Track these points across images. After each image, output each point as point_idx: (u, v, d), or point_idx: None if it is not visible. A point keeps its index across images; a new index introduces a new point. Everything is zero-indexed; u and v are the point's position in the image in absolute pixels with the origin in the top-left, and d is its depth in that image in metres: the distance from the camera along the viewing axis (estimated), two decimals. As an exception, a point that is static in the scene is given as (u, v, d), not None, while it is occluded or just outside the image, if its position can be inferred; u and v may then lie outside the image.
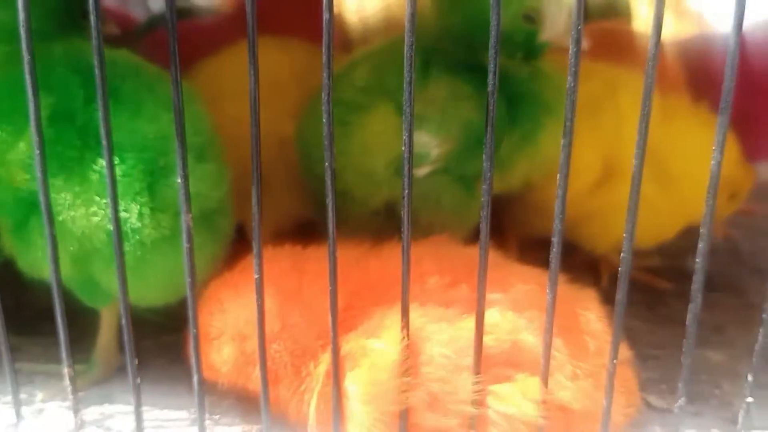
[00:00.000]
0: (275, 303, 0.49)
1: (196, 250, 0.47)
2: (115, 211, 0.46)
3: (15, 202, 0.51)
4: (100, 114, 0.43)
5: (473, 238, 0.57)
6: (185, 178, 0.44)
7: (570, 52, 0.41)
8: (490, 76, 0.42)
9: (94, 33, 0.42)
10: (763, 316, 0.47)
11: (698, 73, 0.88)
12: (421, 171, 0.61)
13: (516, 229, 0.78)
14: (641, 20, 1.20)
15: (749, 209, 0.99)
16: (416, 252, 0.52)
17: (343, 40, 0.96)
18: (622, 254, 0.45)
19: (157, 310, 0.56)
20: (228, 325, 0.50)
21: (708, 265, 0.44)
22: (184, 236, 0.45)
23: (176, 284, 0.49)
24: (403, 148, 0.45)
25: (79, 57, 0.51)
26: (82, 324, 0.58)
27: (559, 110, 0.66)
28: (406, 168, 0.44)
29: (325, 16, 0.40)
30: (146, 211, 0.50)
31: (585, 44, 0.67)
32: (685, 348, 0.47)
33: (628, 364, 0.53)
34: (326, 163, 0.43)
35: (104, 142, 0.44)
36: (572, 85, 0.41)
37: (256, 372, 0.48)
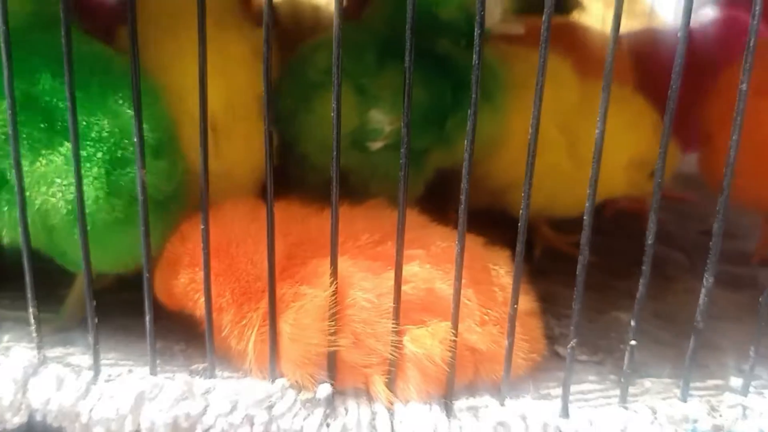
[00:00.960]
0: (225, 242, 0.55)
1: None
2: (80, 192, 0.52)
3: None
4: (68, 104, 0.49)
5: (418, 205, 0.65)
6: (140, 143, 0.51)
7: (475, 33, 0.47)
8: (407, 55, 0.48)
9: (63, 26, 0.48)
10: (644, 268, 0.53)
11: (644, 64, 0.95)
12: (375, 145, 0.69)
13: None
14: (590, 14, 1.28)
15: (680, 195, 1.06)
16: (352, 213, 0.60)
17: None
18: (521, 210, 0.51)
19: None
20: (185, 253, 0.56)
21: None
22: (138, 189, 0.52)
23: (131, 257, 0.57)
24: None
25: (57, 47, 0.54)
26: (56, 281, 0.65)
27: (495, 95, 0.74)
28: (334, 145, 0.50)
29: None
30: (102, 195, 0.55)
31: (518, 29, 0.75)
32: (574, 296, 0.53)
33: (533, 315, 0.59)
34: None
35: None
36: (476, 62, 0.48)
37: (202, 299, 0.54)
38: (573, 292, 0.77)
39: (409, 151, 0.50)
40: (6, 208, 0.56)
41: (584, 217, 0.51)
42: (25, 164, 0.54)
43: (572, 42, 0.87)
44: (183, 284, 0.56)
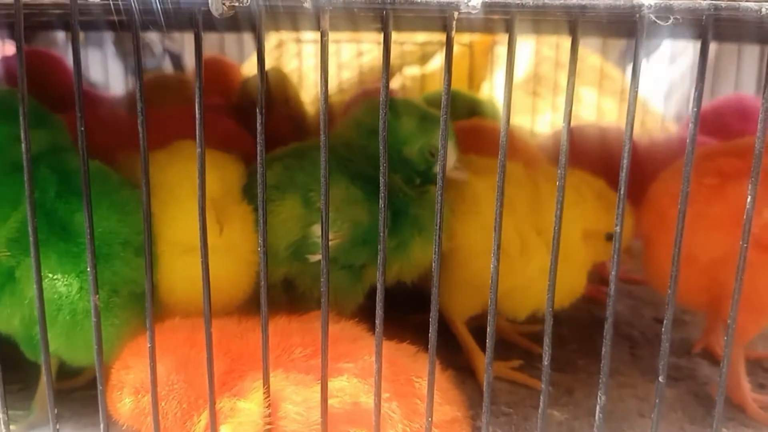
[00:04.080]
0: (167, 368, 0.60)
1: (123, 323, 0.65)
2: (39, 284, 0.57)
3: None
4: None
5: (360, 315, 0.70)
6: (94, 267, 0.57)
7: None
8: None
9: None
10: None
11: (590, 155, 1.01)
12: (314, 257, 0.74)
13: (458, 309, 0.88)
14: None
15: (637, 278, 1.11)
16: (290, 326, 0.65)
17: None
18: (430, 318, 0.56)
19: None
20: (129, 382, 0.62)
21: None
22: (92, 312, 0.58)
23: (108, 350, 0.62)
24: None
25: (60, 159, 0.67)
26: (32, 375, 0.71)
27: (430, 228, 0.79)
28: (262, 266, 0.56)
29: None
30: (85, 286, 0.63)
31: (464, 176, 0.80)
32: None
33: (458, 422, 0.64)
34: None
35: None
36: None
37: (149, 421, 0.60)
38: (516, 388, 0.83)
39: (327, 272, 0.55)
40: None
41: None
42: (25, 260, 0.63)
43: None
44: (129, 409, 0.61)
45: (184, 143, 0.73)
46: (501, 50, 1.61)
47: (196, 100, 0.52)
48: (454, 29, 0.51)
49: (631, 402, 0.80)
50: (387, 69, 0.52)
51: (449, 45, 0.51)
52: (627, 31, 1.22)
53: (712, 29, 0.49)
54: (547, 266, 0.78)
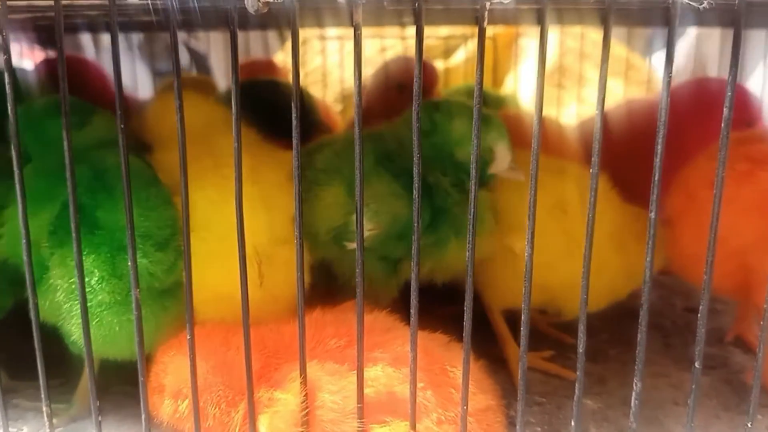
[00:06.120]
0: (204, 370, 0.61)
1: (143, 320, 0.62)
2: (82, 278, 0.59)
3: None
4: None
5: (393, 306, 0.71)
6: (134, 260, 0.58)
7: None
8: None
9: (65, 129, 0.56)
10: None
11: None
12: (351, 245, 0.75)
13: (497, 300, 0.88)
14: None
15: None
16: (324, 319, 0.66)
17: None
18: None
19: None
20: (168, 385, 0.63)
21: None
22: (134, 306, 0.59)
23: (129, 344, 0.63)
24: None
25: (97, 156, 0.69)
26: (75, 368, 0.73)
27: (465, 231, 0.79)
28: (297, 259, 0.57)
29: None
30: (105, 276, 0.64)
31: (519, 176, 0.80)
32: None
33: (492, 411, 0.65)
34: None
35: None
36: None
37: (190, 423, 0.61)
38: (544, 377, 0.83)
39: (363, 264, 0.56)
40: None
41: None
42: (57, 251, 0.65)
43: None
44: (169, 414, 0.62)
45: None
46: (525, 42, 1.60)
47: (233, 102, 0.53)
48: (486, 21, 0.51)
49: (666, 391, 0.79)
50: (420, 62, 0.52)
51: (482, 37, 0.51)
52: (654, 19, 1.22)
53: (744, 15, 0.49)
54: (599, 265, 0.79)
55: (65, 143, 0.55)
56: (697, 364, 0.56)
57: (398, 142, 0.79)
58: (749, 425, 0.58)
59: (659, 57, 1.65)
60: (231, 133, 0.53)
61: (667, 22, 0.49)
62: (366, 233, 0.75)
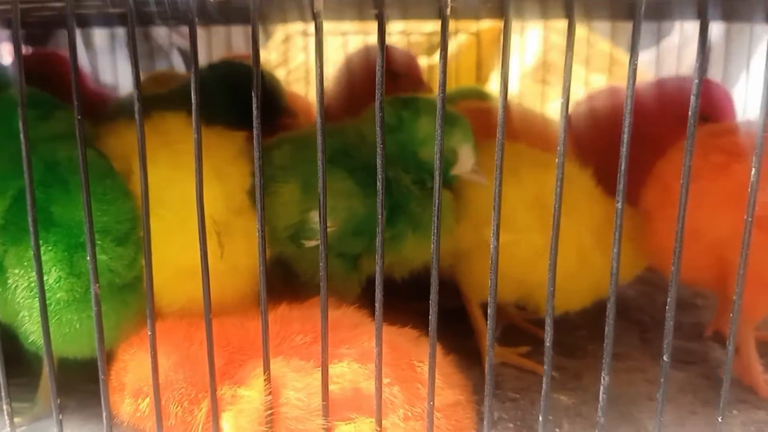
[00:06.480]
0: (165, 367, 0.60)
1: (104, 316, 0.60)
2: (40, 276, 0.58)
3: None
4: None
5: (362, 302, 0.70)
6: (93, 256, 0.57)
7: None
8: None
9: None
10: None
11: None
12: (309, 243, 0.74)
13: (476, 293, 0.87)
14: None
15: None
16: (290, 314, 0.65)
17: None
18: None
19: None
20: (128, 384, 0.61)
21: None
22: (93, 301, 0.58)
23: (89, 342, 0.62)
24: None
25: (51, 148, 0.66)
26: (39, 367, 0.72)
27: (426, 226, 0.78)
28: (260, 252, 0.56)
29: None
30: (63, 275, 0.63)
31: (482, 180, 0.79)
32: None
33: (461, 406, 0.64)
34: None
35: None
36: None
37: (151, 422, 0.60)
38: (524, 374, 0.82)
39: (326, 260, 0.55)
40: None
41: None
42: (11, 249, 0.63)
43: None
44: (130, 413, 0.61)
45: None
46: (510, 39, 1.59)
47: (192, 92, 0.52)
48: (449, 15, 0.50)
49: (642, 386, 0.79)
50: (383, 54, 0.51)
51: (444, 31, 0.50)
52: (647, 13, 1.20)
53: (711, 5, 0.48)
54: (583, 263, 0.77)
55: (21, 136, 0.54)
56: (665, 357, 0.55)
57: (360, 137, 0.78)
58: (719, 420, 0.58)
59: (646, 53, 1.65)
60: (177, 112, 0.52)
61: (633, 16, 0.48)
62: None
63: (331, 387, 0.58)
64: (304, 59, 1.60)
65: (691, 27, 1.66)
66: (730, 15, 1.06)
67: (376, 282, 0.55)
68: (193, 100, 0.52)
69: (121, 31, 1.56)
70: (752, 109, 1.18)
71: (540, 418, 0.58)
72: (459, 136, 0.77)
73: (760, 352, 0.84)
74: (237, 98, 0.63)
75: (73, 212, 0.63)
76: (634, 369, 0.82)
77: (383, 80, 0.52)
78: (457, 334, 0.81)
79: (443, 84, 0.51)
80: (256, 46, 0.53)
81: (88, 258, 0.56)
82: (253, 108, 0.52)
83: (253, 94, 0.52)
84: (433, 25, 1.65)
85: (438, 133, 0.52)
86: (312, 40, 1.61)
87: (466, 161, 0.78)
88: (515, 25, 1.51)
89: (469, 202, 0.80)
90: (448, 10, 0.49)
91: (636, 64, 0.49)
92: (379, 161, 0.53)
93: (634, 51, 0.49)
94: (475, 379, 0.68)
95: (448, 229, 0.77)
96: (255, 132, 0.53)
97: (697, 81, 0.49)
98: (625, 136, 0.50)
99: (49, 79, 0.85)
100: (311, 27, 1.61)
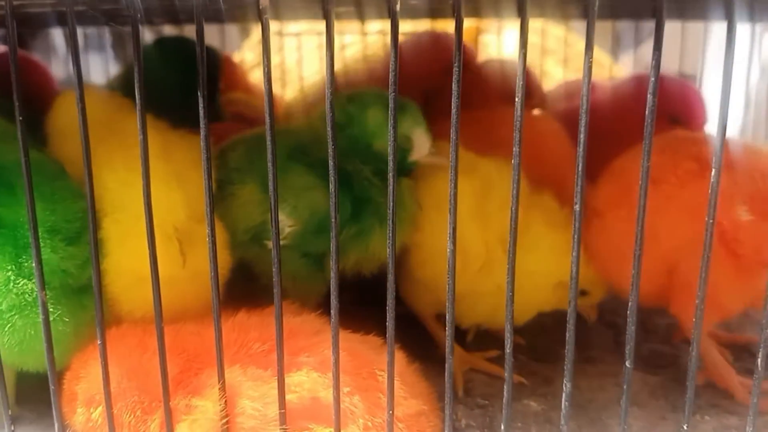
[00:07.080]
0: (117, 375, 0.58)
1: (58, 321, 0.58)
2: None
3: None
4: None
5: (325, 308, 0.68)
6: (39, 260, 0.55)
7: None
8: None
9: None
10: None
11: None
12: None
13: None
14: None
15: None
16: (247, 322, 0.64)
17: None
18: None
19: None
20: (80, 393, 0.60)
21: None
22: (40, 309, 0.56)
23: (39, 354, 0.59)
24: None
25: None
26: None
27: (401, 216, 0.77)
28: (211, 258, 0.54)
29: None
30: (11, 276, 0.60)
31: (443, 161, 0.77)
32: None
33: (424, 416, 0.62)
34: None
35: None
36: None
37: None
38: (493, 380, 0.81)
39: (279, 263, 0.54)
40: None
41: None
42: None
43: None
44: (82, 423, 0.60)
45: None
46: (487, 38, 1.58)
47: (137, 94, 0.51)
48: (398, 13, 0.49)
49: (612, 391, 0.77)
50: (331, 50, 0.50)
51: (395, 28, 0.49)
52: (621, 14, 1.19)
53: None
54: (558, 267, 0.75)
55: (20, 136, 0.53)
56: (627, 364, 0.54)
57: (314, 135, 0.76)
58: (685, 427, 0.56)
59: (627, 55, 1.64)
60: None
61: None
62: (287, 230, 0.73)
63: (288, 396, 0.56)
64: (279, 60, 1.59)
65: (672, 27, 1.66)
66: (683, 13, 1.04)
67: (331, 285, 0.54)
68: (137, 102, 0.51)
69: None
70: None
71: (502, 427, 0.56)
72: (410, 122, 0.76)
73: (735, 355, 0.83)
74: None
75: (20, 212, 0.61)
76: (605, 373, 0.81)
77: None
78: (423, 341, 0.80)
79: (395, 82, 0.50)
80: (201, 45, 0.51)
81: (33, 260, 0.55)
82: (200, 107, 0.51)
83: (199, 94, 0.51)
84: (411, 25, 1.64)
85: (391, 125, 0.51)
86: (287, 40, 1.60)
87: (421, 146, 0.77)
88: (492, 25, 1.50)
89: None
90: (398, 6, 0.48)
91: (591, 62, 0.48)
92: (331, 163, 0.52)
93: (588, 48, 0.48)
94: (442, 387, 0.67)
95: (411, 218, 0.76)
96: (202, 133, 0.52)
97: (653, 79, 0.48)
98: (582, 136, 0.49)
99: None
100: (287, 27, 1.59)
